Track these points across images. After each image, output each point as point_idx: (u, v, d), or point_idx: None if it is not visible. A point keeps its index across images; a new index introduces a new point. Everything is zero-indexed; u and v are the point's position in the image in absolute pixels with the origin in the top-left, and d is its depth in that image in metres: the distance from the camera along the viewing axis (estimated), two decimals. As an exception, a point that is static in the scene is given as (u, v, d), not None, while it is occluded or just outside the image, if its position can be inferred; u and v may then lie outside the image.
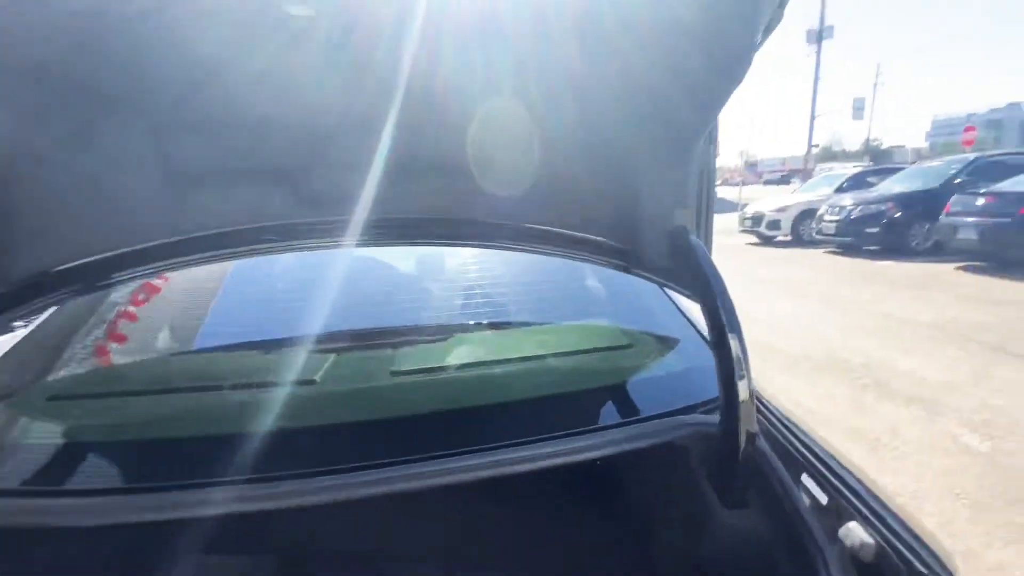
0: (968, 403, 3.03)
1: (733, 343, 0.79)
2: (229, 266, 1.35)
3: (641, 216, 0.84)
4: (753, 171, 70.39)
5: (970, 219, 6.63)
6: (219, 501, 0.70)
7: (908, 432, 2.77)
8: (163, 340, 1.24)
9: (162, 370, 1.12)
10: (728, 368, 0.79)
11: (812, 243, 10.24)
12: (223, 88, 0.66)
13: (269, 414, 0.86)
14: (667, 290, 1.30)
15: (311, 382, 0.95)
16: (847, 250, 9.24)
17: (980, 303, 5.25)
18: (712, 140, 0.84)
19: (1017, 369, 3.48)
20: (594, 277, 1.41)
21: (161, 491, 0.75)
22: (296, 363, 0.99)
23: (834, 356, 3.95)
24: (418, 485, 0.73)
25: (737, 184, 25.70)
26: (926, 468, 2.42)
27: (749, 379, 0.79)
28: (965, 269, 6.96)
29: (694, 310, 1.25)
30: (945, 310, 5.05)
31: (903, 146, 62.71)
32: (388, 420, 0.90)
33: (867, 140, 43.80)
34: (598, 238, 0.95)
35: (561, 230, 0.94)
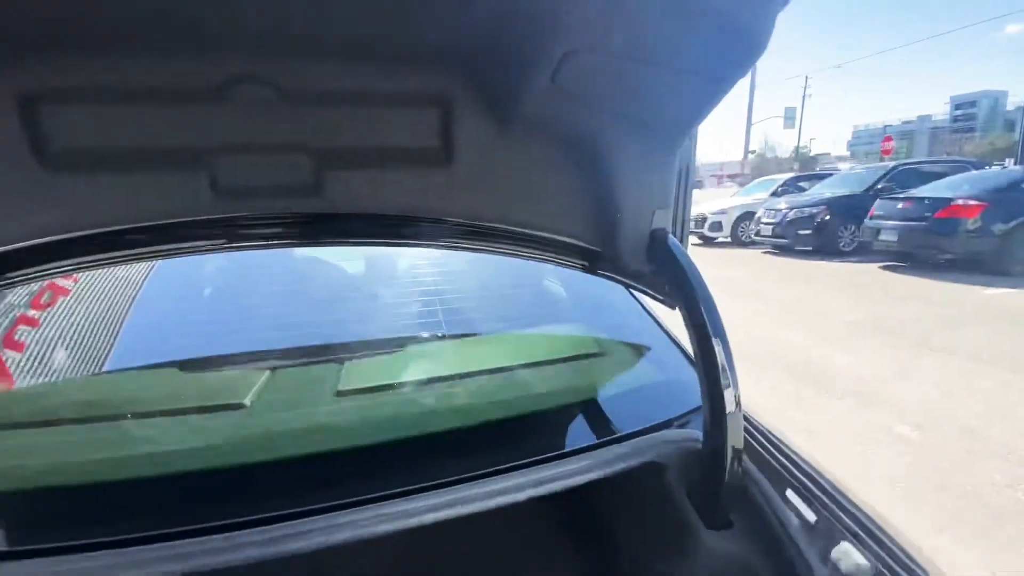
0: (897, 395, 3.22)
1: (718, 350, 0.74)
2: (145, 268, 1.16)
3: (619, 217, 0.77)
4: (693, 175, 73.54)
5: (890, 222, 7.17)
6: (118, 566, 0.56)
7: (843, 422, 2.91)
8: (61, 358, 1.05)
9: (57, 394, 0.94)
10: (714, 378, 0.73)
11: (750, 244, 10.78)
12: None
13: (188, 448, 0.72)
14: (634, 293, 1.24)
15: (239, 406, 0.81)
16: (782, 251, 9.79)
17: (900, 300, 5.68)
18: (693, 137, 0.78)
19: (941, 362, 3.76)
20: (558, 280, 1.34)
21: (44, 555, 0.59)
22: (223, 384, 0.84)
23: (771, 351, 4.12)
24: (367, 532, 0.62)
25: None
26: (861, 457, 2.54)
27: (736, 389, 0.74)
28: (887, 268, 7.52)
29: (663, 315, 1.20)
30: (870, 307, 5.42)
31: (828, 153, 67.63)
32: (331, 453, 0.78)
33: (797, 147, 46.84)
34: (568, 239, 0.87)
35: (529, 230, 0.85)
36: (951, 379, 3.43)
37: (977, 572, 1.80)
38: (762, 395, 3.28)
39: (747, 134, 27.79)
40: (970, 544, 1.93)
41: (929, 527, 2.04)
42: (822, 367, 3.75)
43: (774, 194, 11.57)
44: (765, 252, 9.94)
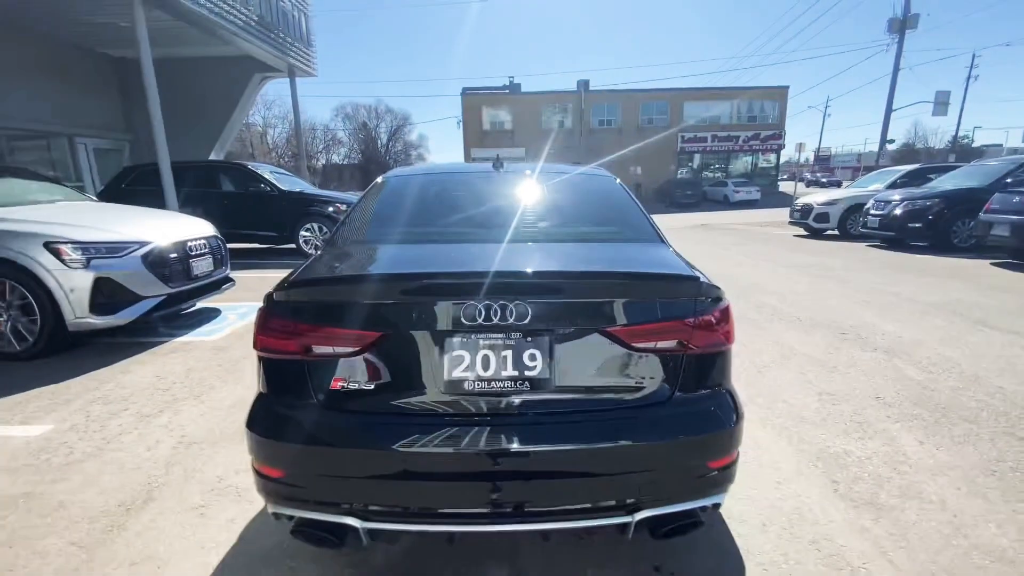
0: (926, 353, 3.77)
1: None
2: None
3: None
4: (825, 166, 66.75)
5: (1005, 216, 6.94)
6: None
7: (863, 364, 3.58)
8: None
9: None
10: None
11: (859, 237, 10.53)
12: None
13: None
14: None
15: None
16: (892, 245, 9.54)
17: (988, 290, 5.74)
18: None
19: (985, 336, 4.14)
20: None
21: None
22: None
23: (830, 319, 4.71)
24: None
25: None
26: (865, 383, 3.26)
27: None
28: (998, 264, 7.27)
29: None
30: (952, 293, 5.60)
31: (999, 145, 57.34)
32: None
33: (955, 136, 40.71)
34: None
35: None
36: (989, 348, 3.86)
37: (909, 442, 2.56)
38: (807, 344, 3.98)
39: (885, 121, 25.18)
40: (912, 430, 2.67)
41: (888, 420, 2.80)
42: (871, 331, 4.32)
43: (892, 185, 11.07)
44: (871, 246, 9.75)
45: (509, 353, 1.45)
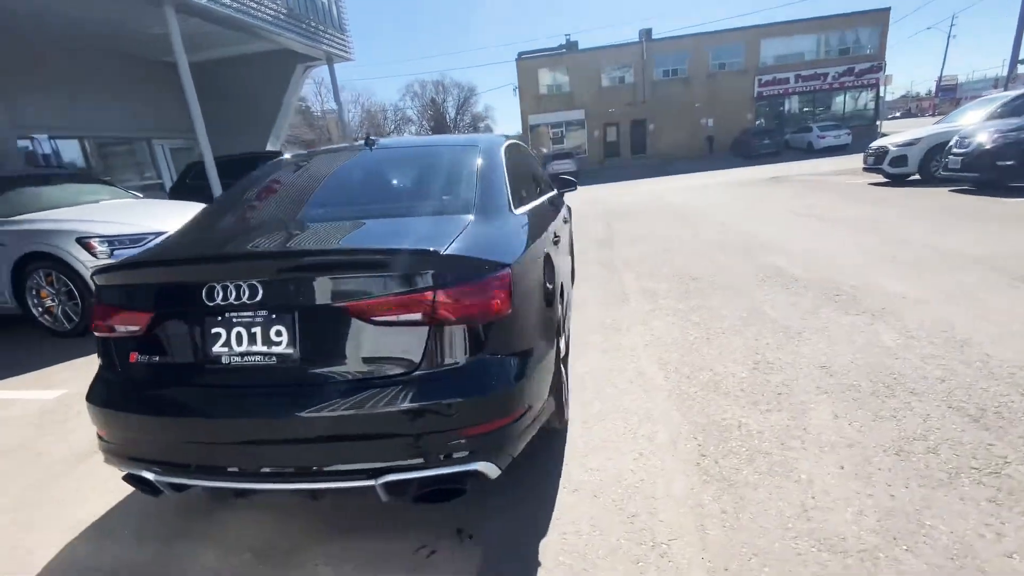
0: (920, 316, 3.29)
1: None
2: None
3: None
4: (949, 97, 57.08)
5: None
6: None
7: (836, 330, 3.21)
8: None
9: None
10: None
11: (945, 182, 9.05)
12: None
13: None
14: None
15: None
16: (983, 188, 8.11)
17: (1066, 237, 4.77)
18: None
19: (1017, 295, 3.49)
20: None
21: None
22: None
23: (834, 279, 4.22)
24: None
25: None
26: (821, 351, 2.93)
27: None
28: (1107, 205, 5.95)
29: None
30: (1009, 244, 4.73)
31: None
32: None
33: None
34: None
35: None
36: (1009, 310, 3.27)
37: (821, 416, 2.31)
38: (784, 307, 3.61)
39: (1017, 38, 20.96)
40: (836, 403, 2.40)
41: (817, 391, 2.52)
42: (871, 292, 3.82)
43: (993, 117, 9.29)
44: (956, 191, 8.37)
45: (258, 330, 1.54)
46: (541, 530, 1.78)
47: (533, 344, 1.80)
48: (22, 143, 9.19)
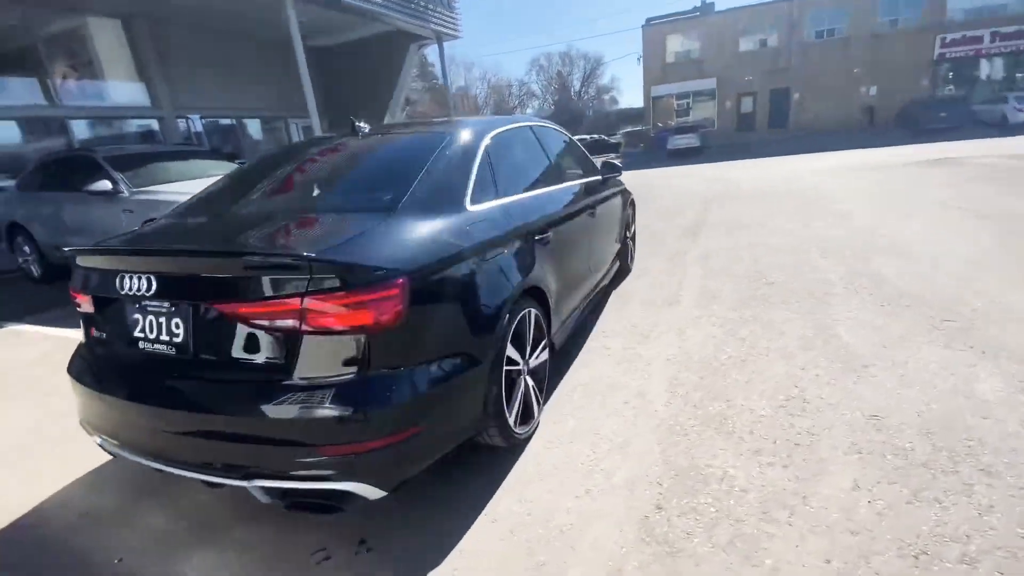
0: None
1: None
2: None
3: None
4: None
5: None
6: None
7: (915, 369, 2.50)
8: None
9: None
10: None
11: None
12: None
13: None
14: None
15: None
16: None
17: None
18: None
19: None
20: None
21: None
22: None
23: (951, 299, 3.30)
24: None
25: None
26: (875, 396, 2.31)
27: None
28: None
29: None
30: None
31: None
32: None
33: None
34: None
35: None
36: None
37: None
38: (863, 331, 2.93)
39: None
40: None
41: (844, 447, 1.99)
42: (990, 318, 2.93)
43: None
44: None
45: (164, 321, 1.60)
46: (439, 558, 1.65)
47: (442, 360, 1.64)
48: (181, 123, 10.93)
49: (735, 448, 2.05)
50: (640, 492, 1.86)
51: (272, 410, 1.43)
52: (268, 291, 1.44)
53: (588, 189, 3.38)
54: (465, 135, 2.27)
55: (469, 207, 1.99)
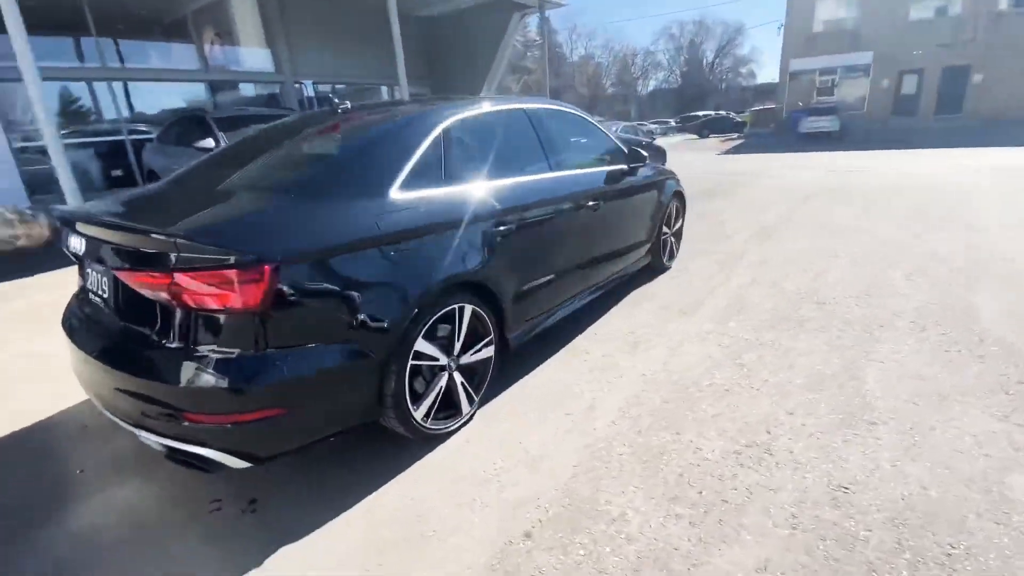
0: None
1: None
2: None
3: None
4: None
5: None
6: None
7: (941, 434, 2.00)
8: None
9: None
10: None
11: None
12: None
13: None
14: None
15: None
16: None
17: None
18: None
19: None
20: None
21: None
22: None
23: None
24: None
25: None
26: (863, 460, 1.89)
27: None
28: None
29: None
30: None
31: None
32: None
33: None
34: None
35: None
36: None
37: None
38: (893, 382, 2.42)
39: None
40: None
41: (779, 519, 1.67)
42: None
43: None
44: None
45: (100, 278, 1.80)
46: (303, 534, 1.70)
47: (318, 348, 1.65)
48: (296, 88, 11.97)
49: (651, 489, 1.82)
50: (522, 514, 1.74)
51: (147, 371, 1.55)
52: (147, 264, 1.54)
53: (598, 178, 3.13)
54: (419, 120, 2.20)
55: (393, 194, 1.93)
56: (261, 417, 1.57)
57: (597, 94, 53.84)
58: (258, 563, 1.60)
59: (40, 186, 8.16)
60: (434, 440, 2.15)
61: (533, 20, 15.44)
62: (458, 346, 2.13)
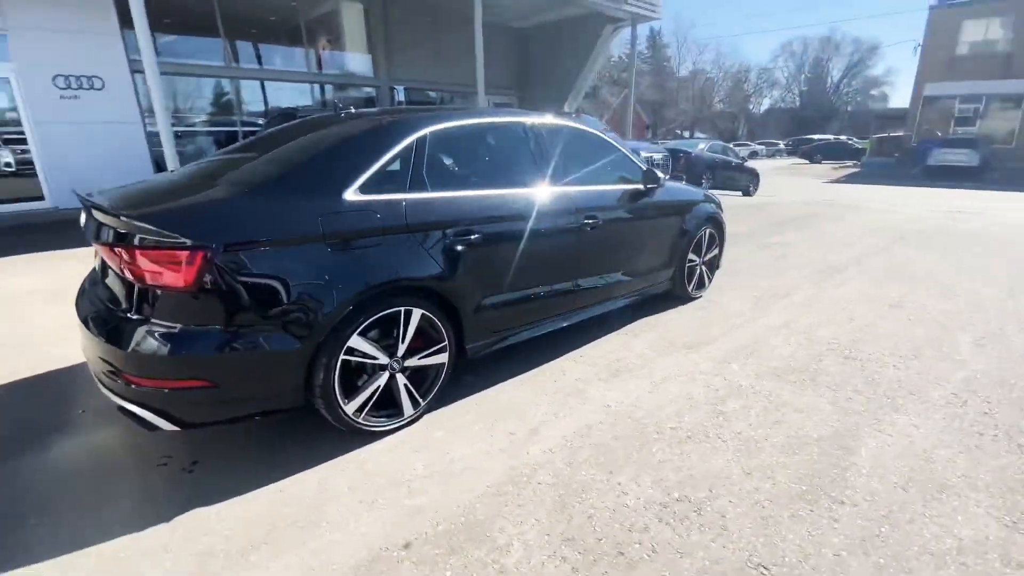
0: None
1: None
2: None
3: None
4: None
5: None
6: None
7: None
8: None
9: None
10: None
11: None
12: None
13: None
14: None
15: None
16: None
17: None
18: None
19: None
20: None
21: None
22: None
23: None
24: None
25: None
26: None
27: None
28: None
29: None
30: None
31: None
32: None
33: None
34: None
35: None
36: None
37: None
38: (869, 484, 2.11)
39: None
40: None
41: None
42: None
43: None
44: None
45: (98, 257, 2.08)
46: (222, 498, 1.84)
47: (247, 331, 1.78)
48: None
49: (551, 526, 1.74)
50: (413, 523, 1.74)
51: (107, 336, 1.79)
52: (117, 241, 1.76)
53: (599, 197, 3.04)
54: (393, 128, 2.29)
55: (348, 196, 2.03)
56: (189, 387, 1.73)
57: (701, 110, 51.46)
58: (167, 519, 1.76)
59: (164, 167, 9.50)
60: (369, 436, 2.21)
61: (643, 33, 15.16)
62: (402, 348, 2.19)
